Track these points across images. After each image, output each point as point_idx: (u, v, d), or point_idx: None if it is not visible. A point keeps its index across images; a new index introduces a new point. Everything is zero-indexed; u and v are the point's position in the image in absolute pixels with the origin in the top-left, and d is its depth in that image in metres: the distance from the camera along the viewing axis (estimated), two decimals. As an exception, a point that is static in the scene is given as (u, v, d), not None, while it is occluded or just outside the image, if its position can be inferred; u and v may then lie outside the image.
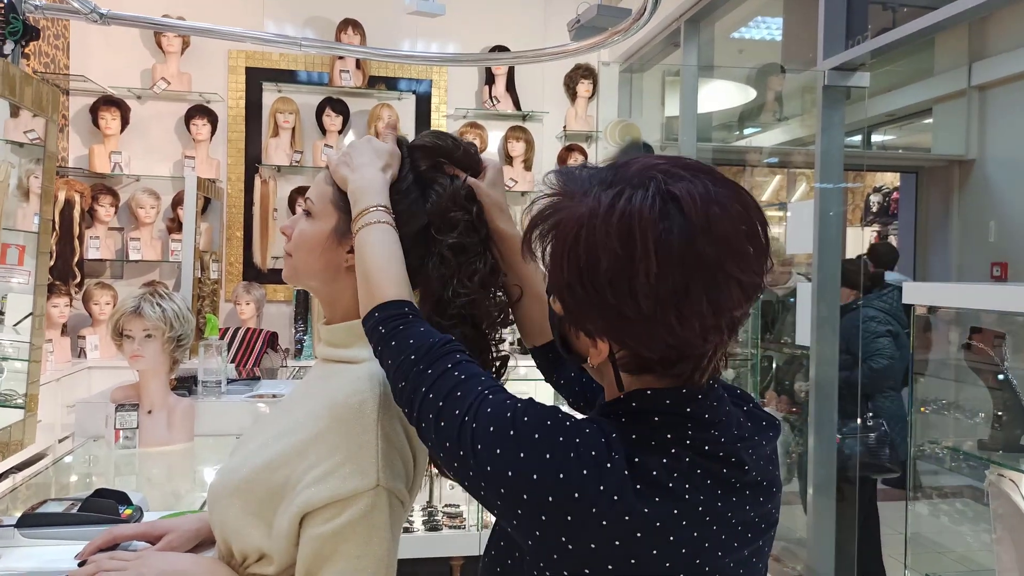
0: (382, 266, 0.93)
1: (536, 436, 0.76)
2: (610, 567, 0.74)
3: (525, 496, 0.74)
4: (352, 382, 0.98)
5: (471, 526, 3.52)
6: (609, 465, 0.74)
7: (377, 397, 0.95)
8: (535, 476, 0.74)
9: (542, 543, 0.76)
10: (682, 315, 0.73)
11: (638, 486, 0.74)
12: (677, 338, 0.75)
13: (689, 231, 0.72)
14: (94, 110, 4.37)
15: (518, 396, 0.81)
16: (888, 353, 3.23)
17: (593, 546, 0.74)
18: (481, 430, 0.77)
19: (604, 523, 0.73)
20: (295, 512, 0.93)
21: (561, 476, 0.73)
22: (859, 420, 3.08)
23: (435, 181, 1.03)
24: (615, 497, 0.73)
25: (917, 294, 2.12)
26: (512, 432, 0.76)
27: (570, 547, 0.74)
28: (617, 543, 0.73)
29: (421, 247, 1.01)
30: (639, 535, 0.73)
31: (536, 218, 0.79)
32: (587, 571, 0.75)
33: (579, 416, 0.82)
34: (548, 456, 0.75)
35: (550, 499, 0.74)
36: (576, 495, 0.73)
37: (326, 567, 0.92)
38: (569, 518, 0.73)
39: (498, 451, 0.76)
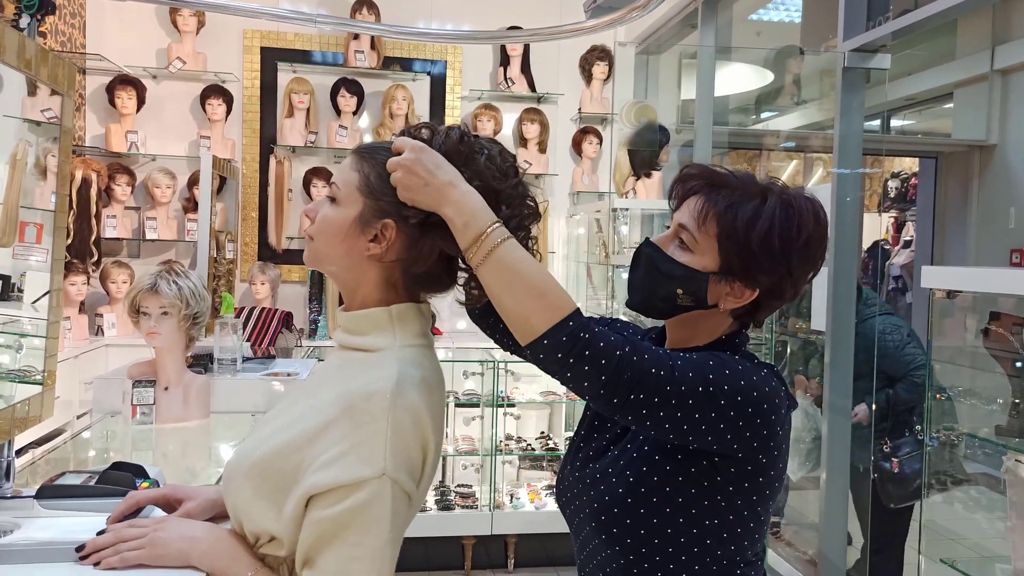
0: (545, 279, 0.95)
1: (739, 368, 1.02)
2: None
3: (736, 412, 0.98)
4: (367, 371, 0.99)
5: (483, 506, 3.54)
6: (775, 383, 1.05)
7: (391, 387, 0.96)
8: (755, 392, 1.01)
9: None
10: (808, 278, 1.08)
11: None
12: (795, 294, 1.07)
13: (825, 232, 1.06)
14: (110, 89, 4.39)
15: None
16: (922, 361, 3.18)
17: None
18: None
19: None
20: (301, 494, 0.95)
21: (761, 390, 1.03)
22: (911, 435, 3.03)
23: (473, 151, 1.03)
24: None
25: (935, 278, 2.10)
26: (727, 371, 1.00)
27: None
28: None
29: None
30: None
31: (711, 200, 1.04)
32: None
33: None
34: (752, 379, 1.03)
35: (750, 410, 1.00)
36: (766, 405, 1.01)
37: (325, 551, 0.93)
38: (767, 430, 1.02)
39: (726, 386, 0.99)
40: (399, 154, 0.99)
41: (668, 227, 1.09)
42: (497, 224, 0.96)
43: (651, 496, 1.02)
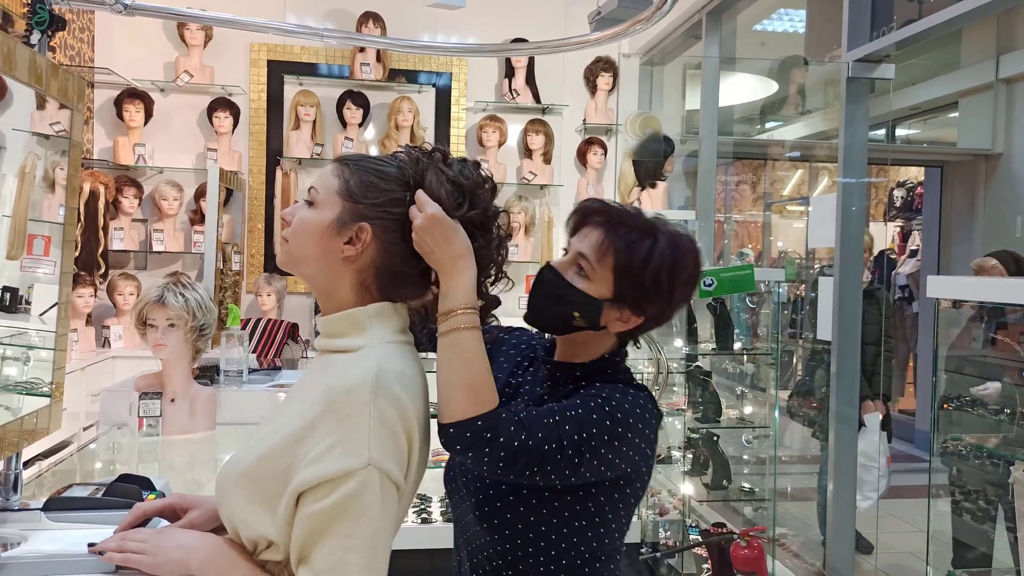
0: (479, 377, 1.05)
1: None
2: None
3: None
4: (346, 368, 1.01)
5: (489, 518, 3.52)
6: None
7: (371, 380, 0.98)
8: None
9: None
10: (674, 313, 1.22)
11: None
12: (669, 319, 1.21)
13: (697, 271, 1.20)
14: (118, 102, 4.42)
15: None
16: None
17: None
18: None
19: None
20: (291, 492, 0.96)
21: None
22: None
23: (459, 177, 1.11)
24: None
25: (941, 288, 2.09)
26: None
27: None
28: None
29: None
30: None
31: (609, 236, 1.15)
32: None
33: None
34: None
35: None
36: (643, 427, 1.15)
37: (318, 545, 0.94)
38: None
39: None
40: (420, 207, 1.06)
41: (565, 251, 1.21)
42: (470, 310, 1.06)
43: (530, 497, 1.13)
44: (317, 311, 4.56)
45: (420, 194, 1.06)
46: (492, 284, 1.15)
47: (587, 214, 1.20)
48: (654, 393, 1.57)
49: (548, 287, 1.18)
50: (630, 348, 1.26)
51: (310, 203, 1.08)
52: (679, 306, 1.21)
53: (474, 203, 1.09)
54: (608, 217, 1.17)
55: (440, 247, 1.05)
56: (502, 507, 1.14)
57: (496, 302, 1.16)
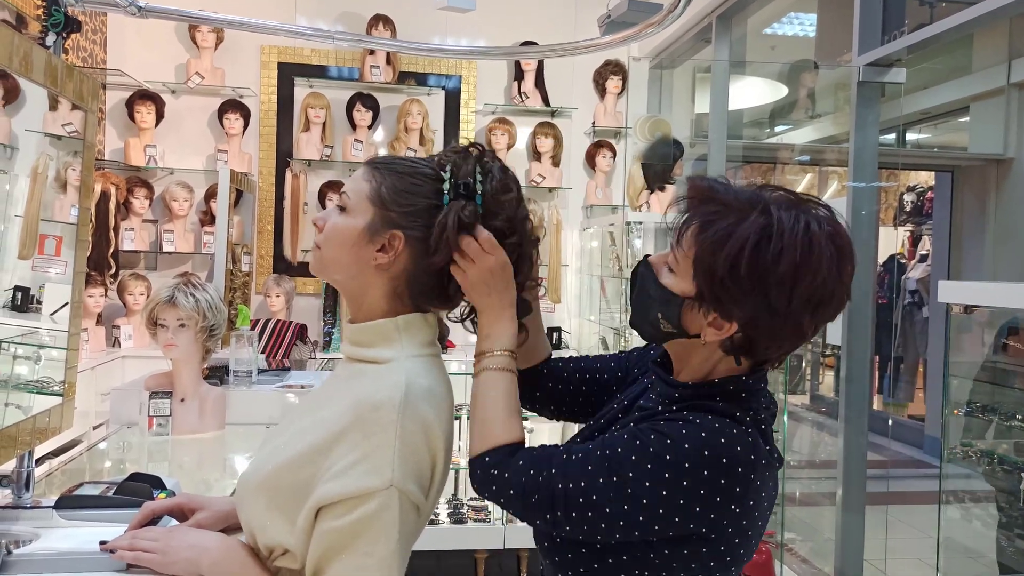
0: (500, 416, 1.01)
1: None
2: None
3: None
4: (375, 381, 1.00)
5: (496, 519, 3.52)
6: None
7: (399, 398, 0.96)
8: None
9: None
10: (814, 318, 0.93)
11: None
12: (797, 335, 0.94)
13: (841, 258, 0.91)
14: (130, 104, 4.45)
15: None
16: None
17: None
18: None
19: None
20: (311, 506, 0.95)
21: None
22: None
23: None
24: None
25: (952, 293, 2.08)
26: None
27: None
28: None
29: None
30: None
31: (694, 217, 0.94)
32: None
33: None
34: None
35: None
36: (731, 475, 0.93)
37: (335, 561, 0.94)
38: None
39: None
40: (488, 248, 1.03)
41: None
42: (508, 353, 1.03)
43: (602, 555, 0.96)
44: (326, 312, 4.58)
45: (486, 236, 1.02)
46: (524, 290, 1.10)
47: (685, 193, 0.99)
48: None
49: (640, 284, 1.01)
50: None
51: (342, 208, 1.05)
52: (799, 314, 0.90)
53: (516, 230, 1.06)
54: (701, 195, 0.96)
55: (500, 291, 1.03)
56: (574, 556, 0.99)
57: (527, 307, 1.11)
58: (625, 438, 0.93)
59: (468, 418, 1.03)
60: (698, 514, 0.89)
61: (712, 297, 0.92)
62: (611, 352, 1.38)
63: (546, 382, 1.21)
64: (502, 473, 0.97)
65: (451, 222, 1.01)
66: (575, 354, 1.32)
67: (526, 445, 1.01)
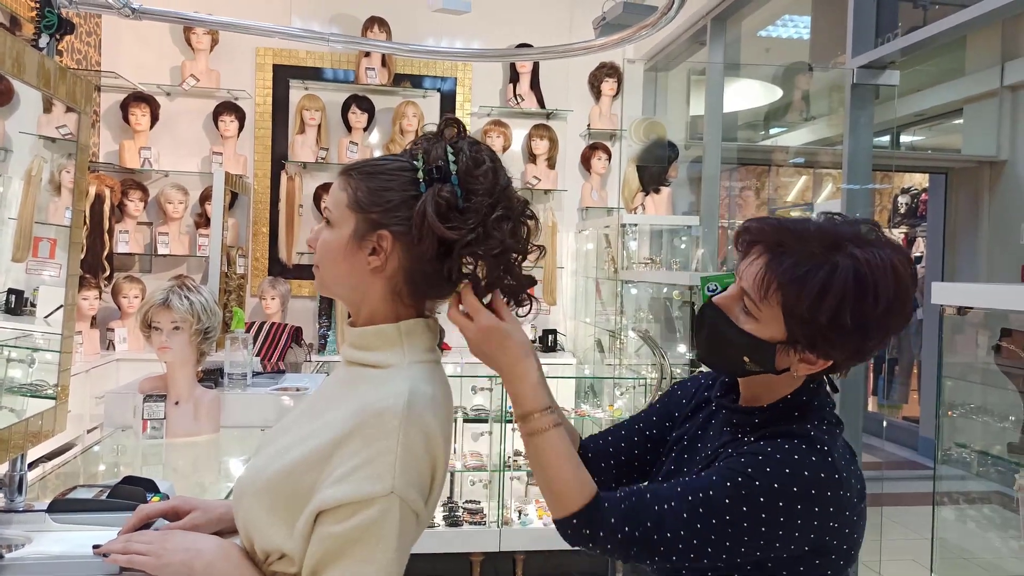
0: (562, 476, 1.02)
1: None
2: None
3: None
4: (378, 387, 1.00)
5: (491, 522, 3.52)
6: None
7: (402, 404, 0.96)
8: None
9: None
10: (882, 345, 1.01)
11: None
12: (865, 360, 1.04)
13: (915, 281, 0.99)
14: (124, 106, 4.44)
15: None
16: None
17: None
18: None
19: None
20: (311, 510, 0.95)
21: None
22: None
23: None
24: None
25: (946, 295, 2.09)
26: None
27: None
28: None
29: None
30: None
31: (783, 268, 0.97)
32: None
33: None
34: None
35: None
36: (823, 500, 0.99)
37: (332, 567, 0.93)
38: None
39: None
40: (472, 313, 1.05)
41: (734, 277, 1.06)
42: (546, 411, 1.04)
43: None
44: (321, 315, 4.57)
45: (471, 300, 1.04)
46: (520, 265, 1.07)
47: (748, 233, 1.03)
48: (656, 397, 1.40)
49: (712, 328, 1.05)
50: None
51: (328, 222, 1.06)
52: (887, 337, 1.00)
53: (499, 200, 1.03)
54: (772, 241, 1.00)
55: (498, 355, 1.05)
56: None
57: (531, 280, 1.08)
58: (714, 479, 0.98)
59: (529, 480, 1.07)
60: (802, 539, 0.96)
61: (810, 343, 0.98)
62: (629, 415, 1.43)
63: (598, 463, 1.22)
64: (595, 532, 1.00)
65: (429, 208, 1.00)
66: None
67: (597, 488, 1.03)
